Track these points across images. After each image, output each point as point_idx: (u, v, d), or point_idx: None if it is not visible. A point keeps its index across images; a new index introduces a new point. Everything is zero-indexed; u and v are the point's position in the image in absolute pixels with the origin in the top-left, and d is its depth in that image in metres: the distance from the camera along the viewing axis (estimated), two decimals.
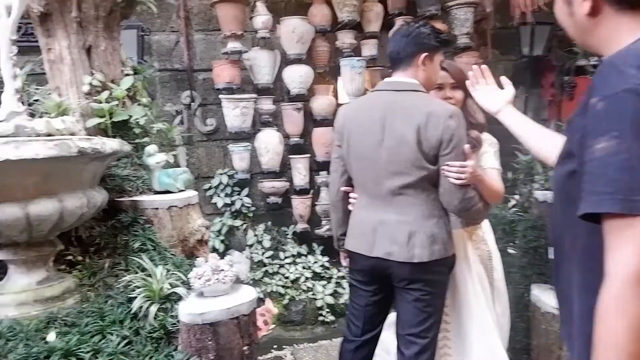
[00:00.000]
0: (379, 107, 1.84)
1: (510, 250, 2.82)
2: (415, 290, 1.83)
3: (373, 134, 1.82)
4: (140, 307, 1.68)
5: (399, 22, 3.66)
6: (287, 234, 3.85)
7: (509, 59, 4.33)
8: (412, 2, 3.73)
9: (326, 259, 3.78)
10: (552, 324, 2.35)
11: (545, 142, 1.42)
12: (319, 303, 3.52)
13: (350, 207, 1.99)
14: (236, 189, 3.75)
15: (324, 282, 3.63)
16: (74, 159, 1.49)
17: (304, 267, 3.68)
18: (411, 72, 1.85)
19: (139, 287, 1.70)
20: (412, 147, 1.74)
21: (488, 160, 2.02)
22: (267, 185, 3.67)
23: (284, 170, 3.83)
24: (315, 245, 3.88)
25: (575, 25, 1.01)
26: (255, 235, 3.70)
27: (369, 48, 3.73)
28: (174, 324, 1.69)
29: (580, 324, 0.95)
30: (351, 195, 1.97)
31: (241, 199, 3.71)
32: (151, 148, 2.08)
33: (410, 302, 1.85)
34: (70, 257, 1.89)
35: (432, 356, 1.88)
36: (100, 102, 2.06)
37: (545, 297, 2.42)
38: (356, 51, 3.75)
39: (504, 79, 1.68)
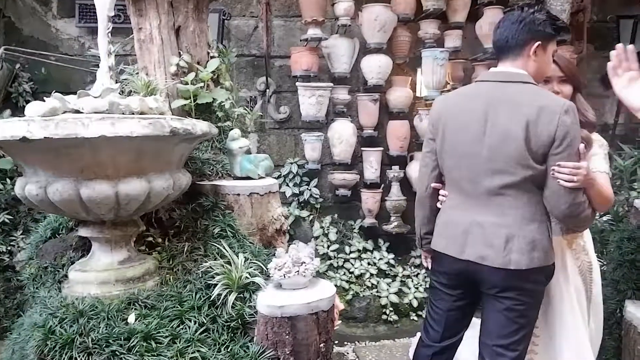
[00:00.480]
0: (482, 99, 1.69)
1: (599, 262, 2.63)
2: (508, 298, 1.68)
3: (473, 128, 1.68)
4: (219, 294, 1.64)
5: (488, 12, 3.44)
6: (354, 228, 3.75)
7: (605, 55, 3.96)
8: None
9: (392, 256, 3.65)
10: None
11: None
12: (383, 301, 3.41)
13: (439, 205, 1.86)
14: (305, 179, 3.70)
15: (389, 280, 3.51)
16: (166, 139, 1.46)
17: (369, 263, 3.57)
18: (521, 62, 1.69)
19: (218, 275, 1.67)
20: (518, 144, 1.59)
21: (598, 163, 1.83)
22: (338, 177, 3.58)
23: (355, 163, 3.73)
24: (381, 241, 3.76)
25: None
26: (322, 227, 3.63)
27: (453, 39, 3.53)
28: (252, 314, 1.64)
29: None
30: (441, 192, 1.84)
31: (309, 190, 3.65)
32: (235, 132, 2.03)
33: (501, 311, 1.71)
34: (150, 239, 1.88)
35: None
36: (187, 84, 2.04)
37: None
38: (438, 42, 3.56)
39: None
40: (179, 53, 2.12)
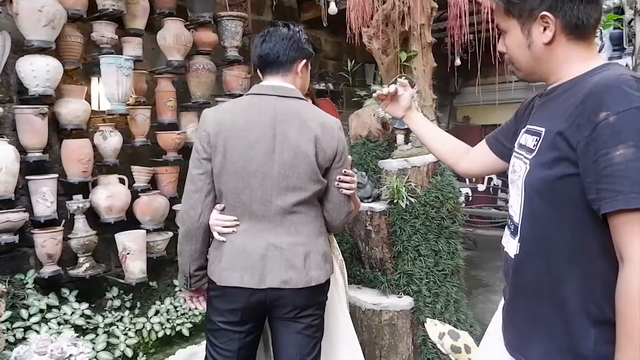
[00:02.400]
0: (267, 113, 1.60)
1: None
2: (307, 316, 1.69)
3: (263, 144, 1.58)
4: None
5: (168, 23, 3.25)
6: (27, 284, 2.82)
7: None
8: (184, 4, 3.39)
9: (85, 305, 2.95)
10: (373, 318, 2.55)
11: (449, 144, 1.61)
12: None
13: (216, 235, 1.65)
14: None
15: (91, 336, 2.83)
16: None
17: (59, 323, 2.77)
18: (290, 78, 1.71)
19: None
20: (310, 160, 1.60)
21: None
22: (1, 218, 2.60)
23: (19, 197, 2.80)
24: (67, 291, 2.98)
25: (532, 55, 1.16)
26: None
27: (133, 47, 3.15)
28: None
29: (570, 318, 1.05)
30: (226, 218, 1.64)
31: None
32: None
33: (300, 331, 1.69)
34: None
35: None
36: None
37: (362, 296, 2.61)
38: (116, 49, 3.11)
39: (402, 81, 1.75)
40: None
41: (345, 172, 1.69)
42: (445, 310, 2.59)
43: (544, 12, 1.08)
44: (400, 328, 2.51)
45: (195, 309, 1.87)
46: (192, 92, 3.50)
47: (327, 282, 1.72)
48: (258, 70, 1.75)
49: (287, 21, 1.74)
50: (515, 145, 1.24)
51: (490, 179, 7.24)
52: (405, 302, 2.57)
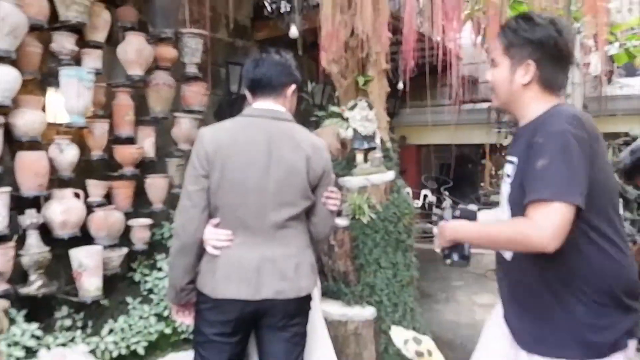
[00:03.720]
0: (263, 133, 1.73)
1: None
2: (295, 325, 1.81)
3: (260, 163, 1.70)
4: None
5: (130, 36, 3.24)
6: None
7: (217, 93, 4.51)
8: (145, 19, 3.39)
9: (35, 326, 2.82)
10: (340, 329, 2.68)
11: None
12: None
13: (211, 249, 1.73)
14: None
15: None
16: None
17: (9, 345, 2.62)
18: (281, 101, 1.84)
19: None
20: (302, 177, 1.74)
21: None
22: None
23: None
24: (14, 311, 2.83)
25: (509, 89, 1.43)
26: None
27: (94, 59, 3.10)
28: None
29: (559, 301, 1.33)
30: (221, 232, 1.72)
31: None
32: None
33: (287, 340, 1.81)
34: None
35: None
36: None
37: (328, 308, 2.74)
38: (75, 60, 3.04)
39: None
40: None
41: (331, 189, 1.83)
42: (404, 319, 2.78)
43: (530, 61, 1.39)
44: (365, 337, 2.67)
45: (181, 323, 1.90)
46: (151, 107, 3.48)
47: (311, 291, 1.84)
48: (247, 92, 1.85)
49: (276, 48, 1.87)
50: (504, 173, 1.53)
51: (425, 196, 7.69)
52: (368, 312, 2.73)
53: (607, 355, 1.28)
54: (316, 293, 2.16)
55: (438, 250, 1.53)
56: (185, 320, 1.86)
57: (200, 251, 1.72)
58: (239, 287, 1.65)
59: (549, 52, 1.38)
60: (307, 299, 1.79)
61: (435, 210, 7.47)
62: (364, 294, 2.79)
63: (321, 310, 2.20)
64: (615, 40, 5.12)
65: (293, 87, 1.83)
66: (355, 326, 2.66)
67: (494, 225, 1.42)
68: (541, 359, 1.34)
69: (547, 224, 1.21)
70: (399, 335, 1.93)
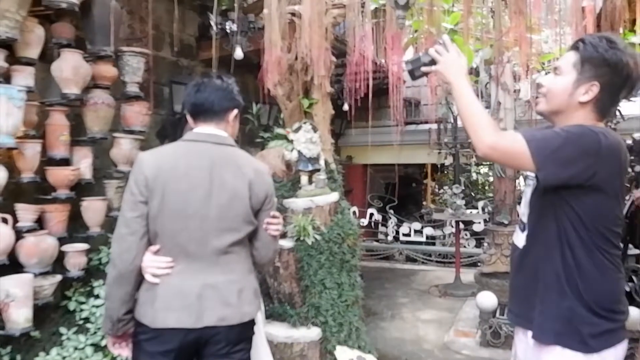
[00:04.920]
0: (205, 158, 1.72)
1: None
2: (238, 351, 1.79)
3: (201, 188, 1.69)
4: None
5: (66, 54, 3.12)
6: None
7: (159, 113, 4.41)
8: (82, 36, 3.28)
9: None
10: (285, 351, 2.67)
11: None
12: None
13: (150, 277, 1.69)
14: None
15: None
16: None
17: None
18: (223, 126, 1.84)
19: None
20: (245, 202, 1.74)
21: None
22: None
23: None
24: None
25: (566, 102, 1.49)
26: None
27: (25, 77, 2.95)
28: None
29: (560, 286, 1.44)
30: (161, 259, 1.68)
31: None
32: None
33: None
34: None
35: None
36: None
37: (273, 330, 2.72)
38: (5, 77, 2.89)
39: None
40: None
41: (273, 214, 1.83)
42: (349, 339, 2.80)
43: (596, 83, 1.43)
44: (311, 358, 2.66)
45: (119, 355, 1.82)
46: (88, 127, 3.35)
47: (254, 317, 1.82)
48: (188, 117, 1.83)
49: (219, 72, 1.87)
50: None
51: (371, 214, 7.83)
52: (313, 333, 2.73)
53: (597, 351, 1.39)
54: (259, 317, 2.14)
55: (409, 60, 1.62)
56: (122, 353, 1.78)
57: (139, 279, 1.66)
58: (180, 316, 1.60)
59: (617, 80, 1.42)
60: (251, 324, 1.77)
61: (380, 228, 7.60)
62: (310, 315, 2.78)
63: (264, 333, 2.18)
64: (542, 68, 5.51)
65: (235, 111, 1.83)
66: (301, 348, 2.65)
67: (478, 105, 1.47)
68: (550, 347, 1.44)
69: (502, 141, 1.36)
70: (344, 355, 1.94)
